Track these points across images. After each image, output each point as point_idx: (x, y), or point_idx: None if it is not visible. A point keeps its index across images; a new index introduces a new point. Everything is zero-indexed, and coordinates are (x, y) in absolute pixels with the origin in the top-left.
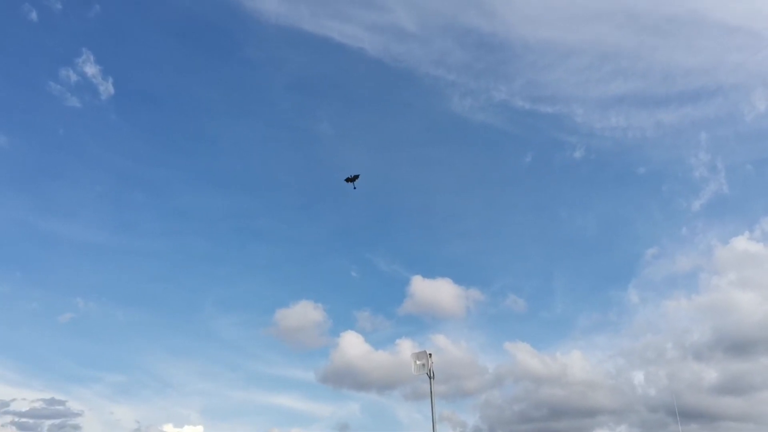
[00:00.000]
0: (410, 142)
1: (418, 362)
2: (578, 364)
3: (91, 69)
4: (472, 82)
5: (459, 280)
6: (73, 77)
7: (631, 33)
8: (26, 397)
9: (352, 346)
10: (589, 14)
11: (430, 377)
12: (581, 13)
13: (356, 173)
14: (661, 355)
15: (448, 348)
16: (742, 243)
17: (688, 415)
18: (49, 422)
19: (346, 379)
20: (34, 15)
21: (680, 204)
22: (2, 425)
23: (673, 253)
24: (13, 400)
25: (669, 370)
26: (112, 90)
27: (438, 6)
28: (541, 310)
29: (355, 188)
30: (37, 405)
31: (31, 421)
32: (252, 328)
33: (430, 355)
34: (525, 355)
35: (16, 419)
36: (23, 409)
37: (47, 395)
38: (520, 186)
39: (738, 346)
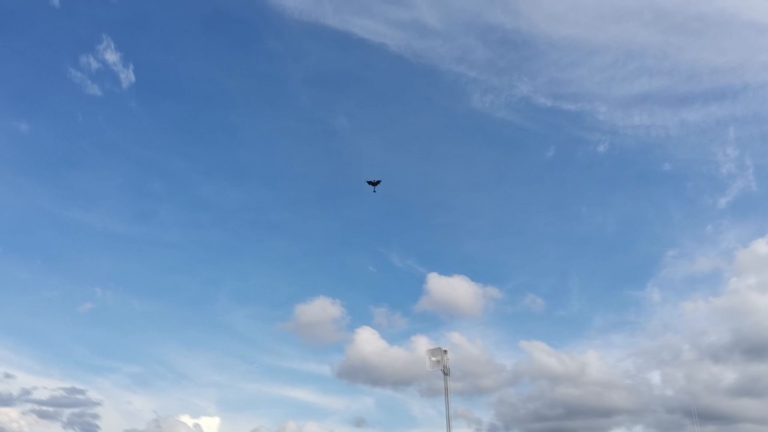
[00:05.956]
0: (429, 139)
1: (432, 358)
2: (594, 363)
3: (111, 56)
4: (494, 78)
5: (476, 277)
6: (94, 64)
7: (658, 31)
8: (47, 386)
9: (368, 341)
10: (616, 13)
11: (444, 373)
12: (608, 11)
13: (378, 179)
14: (678, 355)
15: (464, 345)
16: (762, 246)
17: (705, 416)
18: (69, 411)
19: (362, 374)
20: (56, 0)
21: (705, 201)
22: (23, 413)
23: (694, 253)
24: (35, 388)
25: (686, 371)
26: (132, 78)
27: (462, 3)
28: (558, 308)
29: (375, 192)
30: (57, 394)
31: (51, 409)
32: (267, 321)
33: (445, 351)
34: (541, 354)
35: (37, 407)
36: (44, 398)
37: (67, 384)
38: (539, 183)
39: (756, 348)
